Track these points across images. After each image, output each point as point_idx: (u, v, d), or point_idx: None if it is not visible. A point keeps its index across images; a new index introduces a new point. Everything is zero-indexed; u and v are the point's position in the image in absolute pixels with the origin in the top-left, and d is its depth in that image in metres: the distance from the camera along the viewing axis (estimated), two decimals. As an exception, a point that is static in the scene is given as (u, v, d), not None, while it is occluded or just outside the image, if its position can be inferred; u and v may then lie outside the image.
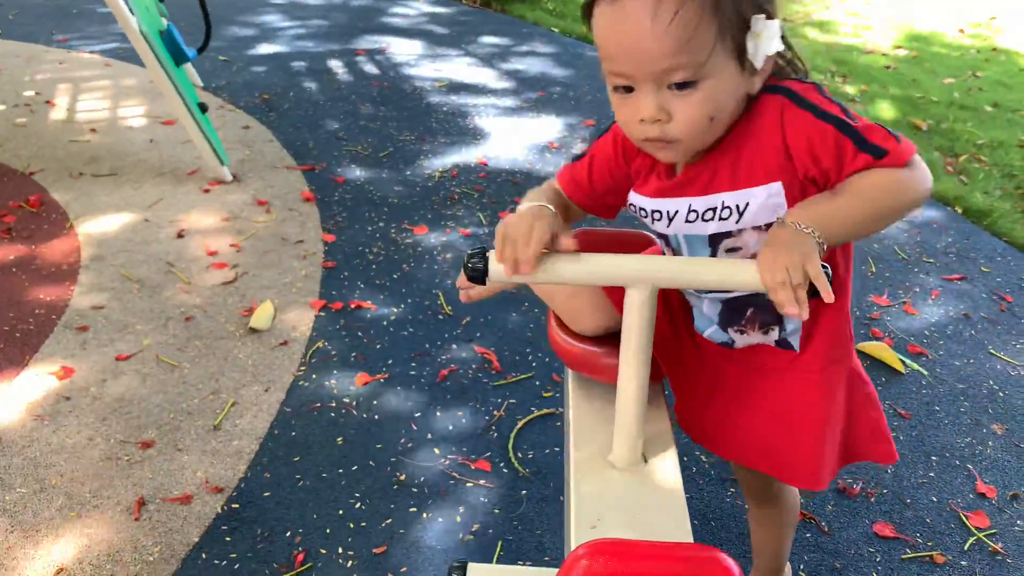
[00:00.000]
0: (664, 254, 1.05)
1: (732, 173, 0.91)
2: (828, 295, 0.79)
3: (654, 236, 1.08)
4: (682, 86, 0.85)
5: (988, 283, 2.51)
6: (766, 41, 0.84)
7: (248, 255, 2.43)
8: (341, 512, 1.60)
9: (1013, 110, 4.14)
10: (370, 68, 4.16)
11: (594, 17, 0.86)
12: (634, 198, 1.01)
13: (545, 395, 1.94)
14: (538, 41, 4.73)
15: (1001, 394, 2.03)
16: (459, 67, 4.24)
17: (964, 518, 1.65)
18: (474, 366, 2.02)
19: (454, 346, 2.09)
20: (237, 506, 1.60)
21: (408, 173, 3.02)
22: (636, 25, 0.82)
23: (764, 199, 0.90)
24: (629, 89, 0.87)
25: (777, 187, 0.89)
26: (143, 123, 3.33)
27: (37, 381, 1.90)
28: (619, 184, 1.03)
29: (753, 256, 0.90)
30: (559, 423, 1.84)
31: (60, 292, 2.22)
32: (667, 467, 0.97)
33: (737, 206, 0.91)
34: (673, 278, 0.87)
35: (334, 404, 1.88)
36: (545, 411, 1.89)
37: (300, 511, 1.60)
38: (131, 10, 2.61)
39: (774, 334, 1.03)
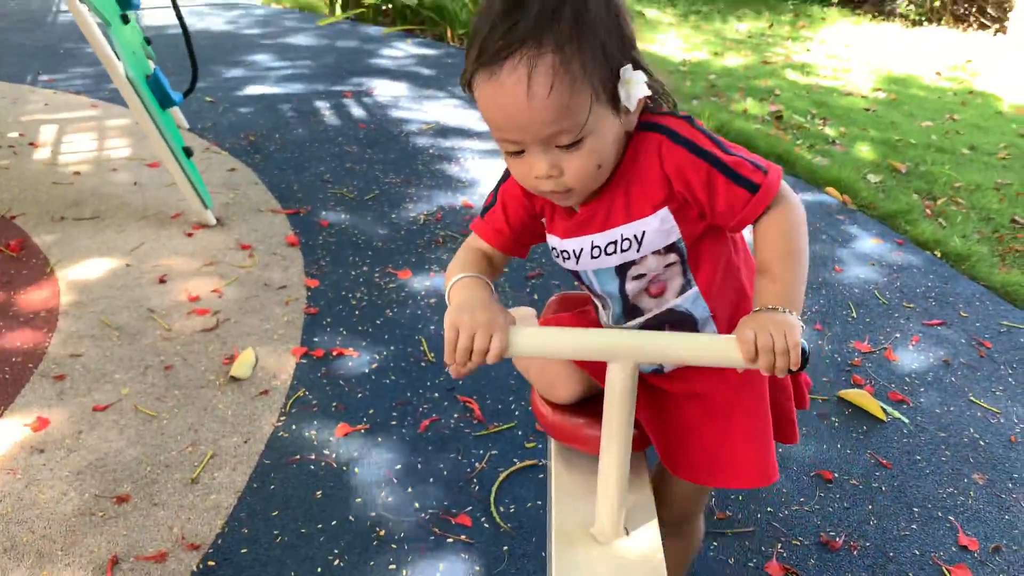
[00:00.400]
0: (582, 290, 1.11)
1: (625, 207, 0.98)
2: (796, 363, 0.86)
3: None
4: (568, 146, 0.90)
5: (967, 328, 2.53)
6: (636, 87, 0.90)
7: (230, 301, 2.42)
8: (320, 570, 1.57)
9: (989, 153, 4.21)
10: (357, 110, 4.19)
11: (475, 89, 0.90)
12: (550, 239, 1.07)
13: (528, 446, 1.93)
14: (523, 83, 4.78)
15: (982, 443, 2.03)
16: (446, 109, 4.27)
17: (947, 572, 1.64)
18: (456, 416, 2.01)
19: (436, 395, 2.08)
20: (213, 563, 1.57)
21: (393, 216, 3.03)
22: (515, 99, 0.86)
23: (658, 225, 0.98)
24: (520, 151, 0.92)
25: (665, 212, 0.97)
26: (128, 165, 3.33)
27: (11, 433, 1.87)
28: (533, 223, 1.09)
29: (654, 278, 1.02)
30: (541, 475, 1.83)
31: (38, 339, 2.20)
32: (649, 539, 0.96)
33: (635, 236, 0.99)
34: (654, 353, 0.88)
35: (314, 456, 1.86)
36: (528, 462, 1.87)
37: (278, 569, 1.57)
38: (117, 55, 2.62)
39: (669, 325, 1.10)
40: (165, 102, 2.79)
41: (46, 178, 3.16)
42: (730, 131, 4.13)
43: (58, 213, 2.89)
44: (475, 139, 3.86)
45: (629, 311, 1.07)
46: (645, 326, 1.07)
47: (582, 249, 1.02)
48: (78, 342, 2.20)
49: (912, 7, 7.52)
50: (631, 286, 1.03)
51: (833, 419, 2.08)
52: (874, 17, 7.71)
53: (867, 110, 4.81)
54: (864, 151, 4.04)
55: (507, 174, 1.06)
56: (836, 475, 1.89)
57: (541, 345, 0.88)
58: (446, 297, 1.01)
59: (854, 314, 2.57)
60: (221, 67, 4.77)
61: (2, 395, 1.98)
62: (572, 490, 1.03)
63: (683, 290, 1.04)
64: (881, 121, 4.59)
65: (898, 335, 2.47)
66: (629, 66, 0.90)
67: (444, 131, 3.95)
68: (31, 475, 1.75)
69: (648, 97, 0.94)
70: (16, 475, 1.75)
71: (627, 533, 0.96)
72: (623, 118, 0.93)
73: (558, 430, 1.10)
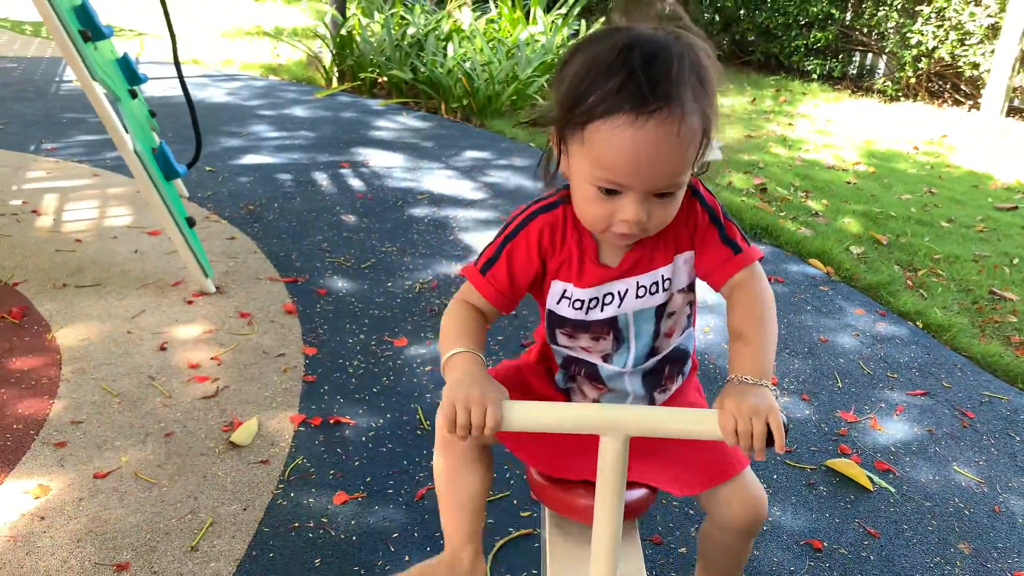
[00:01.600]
0: (588, 345, 1.18)
1: (664, 251, 1.12)
2: (781, 447, 0.91)
3: (566, 338, 1.20)
4: (663, 195, 1.00)
5: (950, 398, 2.60)
6: (712, 151, 1.02)
7: (229, 368, 2.46)
8: (317, 639, 1.59)
9: (967, 226, 4.36)
10: (354, 180, 4.30)
11: (596, 132, 0.96)
12: (576, 292, 1.13)
13: (523, 514, 1.96)
14: (516, 155, 4.93)
15: (967, 512, 2.08)
16: (440, 180, 4.40)
17: (936, 642, 1.67)
18: (452, 483, 2.04)
19: (432, 462, 2.11)
20: (212, 633, 1.58)
21: (389, 285, 3.10)
22: (658, 149, 0.95)
23: (684, 263, 1.14)
24: (614, 193, 1.00)
25: (690, 254, 1.13)
26: (129, 233, 3.40)
27: (12, 500, 1.89)
28: (531, 283, 1.16)
29: (676, 317, 1.17)
30: (536, 544, 1.86)
31: (39, 406, 2.23)
32: (642, 605, 1.00)
33: (670, 277, 1.13)
34: (645, 427, 0.94)
35: (312, 524, 1.88)
36: (523, 531, 1.90)
37: (276, 638, 1.58)
38: (126, 128, 2.72)
39: (680, 376, 1.26)
40: (170, 174, 2.88)
41: (48, 245, 3.23)
42: (716, 203, 4.25)
43: (60, 280, 2.94)
44: (468, 208, 3.97)
45: (651, 352, 1.18)
46: (647, 372, 1.19)
47: (627, 291, 1.12)
48: (79, 409, 2.23)
49: (889, 84, 7.81)
50: (665, 324, 1.16)
51: (821, 488, 2.13)
52: (853, 92, 8.00)
53: (848, 183, 4.97)
54: (847, 223, 4.18)
55: (515, 232, 1.12)
56: (826, 544, 1.93)
57: (534, 419, 0.93)
58: (441, 366, 1.07)
59: (839, 384, 2.64)
60: (221, 137, 4.90)
61: (4, 461, 2.00)
62: (566, 558, 1.08)
63: (684, 329, 1.19)
64: (862, 194, 4.75)
65: (883, 405, 2.54)
66: (716, 137, 1.01)
67: (438, 200, 4.06)
68: (32, 542, 1.76)
69: None
70: (17, 542, 1.76)
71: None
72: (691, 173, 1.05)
73: (552, 500, 1.15)
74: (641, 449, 1.13)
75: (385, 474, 2.06)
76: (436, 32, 6.53)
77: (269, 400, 2.32)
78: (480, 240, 3.57)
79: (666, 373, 1.23)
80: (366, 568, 1.76)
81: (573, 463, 1.16)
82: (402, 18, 6.93)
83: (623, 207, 0.99)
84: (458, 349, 1.04)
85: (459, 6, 7.04)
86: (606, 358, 1.20)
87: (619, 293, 1.12)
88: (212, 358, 2.51)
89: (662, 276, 1.12)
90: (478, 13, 7.29)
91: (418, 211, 3.89)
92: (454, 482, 1.25)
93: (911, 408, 2.53)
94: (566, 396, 1.27)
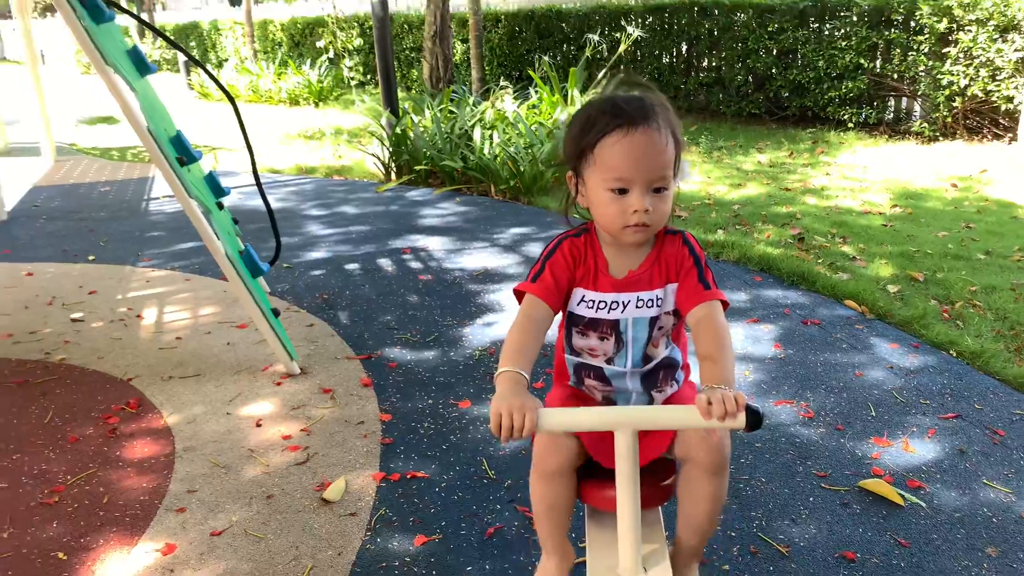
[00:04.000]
0: (595, 344, 1.55)
1: (659, 277, 1.51)
2: (740, 412, 1.20)
3: (580, 337, 1.57)
4: (659, 190, 1.41)
5: (981, 419, 2.76)
6: (684, 170, 1.44)
7: (317, 437, 2.80)
8: (408, 656, 1.85)
9: (1004, 256, 4.48)
10: (415, 263, 4.70)
11: (601, 148, 1.40)
12: (591, 294, 1.52)
13: (581, 544, 2.20)
14: (561, 227, 5.27)
15: (995, 520, 2.24)
16: (490, 256, 4.77)
17: (960, 633, 1.83)
18: (516, 524, 2.31)
19: (499, 506, 2.39)
20: (319, 655, 1.86)
21: (452, 354, 3.43)
22: (646, 149, 1.38)
23: (672, 292, 1.51)
24: (623, 192, 1.40)
25: (675, 285, 1.51)
26: (219, 328, 3.83)
27: (145, 558, 2.23)
28: (570, 285, 1.54)
29: (663, 332, 1.55)
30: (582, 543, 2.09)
31: (160, 480, 2.59)
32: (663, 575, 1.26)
33: (662, 298, 1.51)
34: (646, 421, 1.23)
35: (397, 563, 2.16)
36: (581, 559, 2.14)
37: (373, 657, 1.85)
38: (217, 236, 3.15)
39: (675, 382, 1.61)
40: (255, 272, 3.30)
41: (153, 344, 3.67)
42: (753, 256, 4.50)
43: (166, 373, 3.36)
44: (515, 284, 4.30)
45: (645, 358, 1.54)
46: (653, 370, 1.56)
47: (629, 301, 1.51)
48: (193, 480, 2.58)
49: (926, 125, 7.97)
50: (656, 334, 1.52)
51: (855, 506, 2.31)
52: (890, 137, 8.17)
53: (885, 225, 5.15)
54: (882, 264, 4.36)
55: (552, 251, 1.55)
56: (859, 555, 2.11)
57: (562, 422, 1.23)
58: (495, 377, 1.40)
59: (873, 413, 2.82)
60: (293, 236, 5.40)
61: (136, 527, 2.36)
62: (601, 542, 1.35)
63: (668, 344, 1.57)
64: (899, 235, 4.92)
65: (915, 429, 2.71)
66: (685, 158, 1.47)
67: (492, 275, 4.41)
68: (165, 591, 2.09)
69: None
70: (153, 591, 2.09)
71: (645, 571, 1.26)
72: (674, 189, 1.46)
73: (589, 495, 1.44)
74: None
75: (458, 518, 2.34)
76: (482, 122, 7.03)
77: (353, 462, 2.64)
78: (532, 308, 3.88)
79: (660, 376, 1.59)
80: (446, 597, 2.03)
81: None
82: (450, 112, 7.48)
83: (632, 201, 1.39)
84: (506, 368, 1.36)
85: (501, 97, 7.55)
86: (610, 361, 1.55)
87: (623, 302, 1.51)
88: (302, 430, 2.85)
89: (656, 296, 1.50)
90: (519, 100, 7.80)
91: (474, 286, 4.25)
92: (545, 497, 1.56)
93: (942, 430, 2.69)
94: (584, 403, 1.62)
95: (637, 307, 1.51)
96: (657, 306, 1.51)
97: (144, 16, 22.12)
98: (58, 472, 2.64)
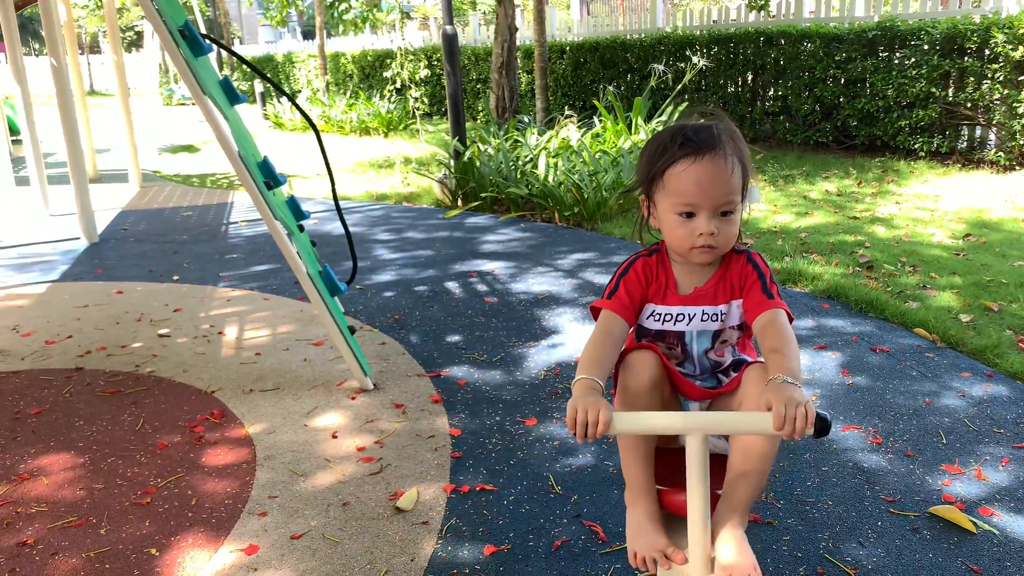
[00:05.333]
0: (664, 352, 1.64)
1: (723, 295, 1.60)
2: (810, 423, 1.25)
3: (650, 342, 1.66)
4: (725, 214, 1.51)
5: (1058, 449, 2.70)
6: (753, 194, 1.53)
7: (390, 450, 2.91)
8: (479, 657, 1.92)
9: (1084, 286, 4.36)
10: (481, 286, 4.82)
11: (670, 174, 1.51)
12: (660, 308, 1.63)
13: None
14: (623, 252, 5.35)
15: (1071, 550, 2.20)
16: (554, 281, 4.86)
17: (1034, 659, 1.81)
18: (583, 537, 2.36)
19: (565, 520, 2.45)
20: (394, 654, 1.94)
21: (518, 374, 3.51)
22: (712, 175, 1.48)
23: (736, 308, 1.61)
24: (691, 215, 1.51)
25: (740, 301, 1.60)
26: (297, 345, 4.00)
27: (230, 557, 2.35)
28: (642, 301, 1.63)
29: (727, 343, 1.65)
30: None
31: (242, 486, 2.73)
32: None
33: (727, 313, 1.61)
34: (714, 426, 1.29)
35: (467, 570, 2.24)
36: (649, 574, 2.18)
37: (445, 657, 1.92)
38: (300, 256, 3.32)
39: (731, 367, 1.68)
40: (333, 291, 3.45)
41: (235, 359, 3.85)
42: (821, 283, 4.48)
43: (247, 387, 3.53)
44: (578, 308, 4.37)
45: (714, 365, 1.66)
46: (718, 369, 1.65)
47: (695, 315, 1.60)
48: (273, 487, 2.71)
49: (1001, 154, 7.79)
50: (718, 346, 1.64)
51: (925, 532, 2.30)
52: (963, 167, 8.01)
53: (958, 254, 5.06)
54: (954, 293, 4.29)
55: (627, 269, 1.64)
56: (929, 580, 2.10)
57: (635, 424, 1.30)
58: (572, 384, 1.47)
59: (944, 440, 2.80)
60: (364, 259, 5.58)
61: (221, 528, 2.49)
62: (674, 543, 1.41)
63: (733, 353, 1.67)
64: (972, 264, 4.83)
65: (987, 457, 2.67)
66: (753, 183, 1.56)
67: (554, 299, 4.49)
68: (249, 588, 2.21)
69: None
70: (239, 587, 2.21)
71: (712, 569, 1.32)
72: (742, 213, 1.55)
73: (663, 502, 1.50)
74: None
75: (526, 530, 2.41)
76: (546, 150, 7.16)
77: (424, 474, 2.74)
78: (586, 332, 3.94)
79: (731, 374, 1.67)
80: (514, 604, 2.10)
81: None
82: (516, 141, 7.64)
83: (698, 224, 1.50)
84: (582, 376, 1.44)
85: (566, 126, 7.69)
86: (680, 364, 1.67)
87: (688, 315, 1.61)
88: (375, 442, 2.97)
89: (720, 311, 1.61)
90: (584, 129, 7.92)
91: (539, 309, 4.34)
92: (628, 447, 1.61)
93: (1017, 459, 2.65)
94: None
95: (702, 320, 1.61)
96: (721, 320, 1.61)
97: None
98: (149, 475, 2.81)
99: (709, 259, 1.56)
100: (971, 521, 2.32)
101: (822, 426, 1.22)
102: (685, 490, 1.36)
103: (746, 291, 1.58)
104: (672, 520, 1.53)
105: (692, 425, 1.28)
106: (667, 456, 1.66)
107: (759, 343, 1.51)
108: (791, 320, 1.54)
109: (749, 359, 1.70)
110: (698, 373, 1.66)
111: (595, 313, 1.66)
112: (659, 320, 1.63)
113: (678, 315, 1.61)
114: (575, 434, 1.30)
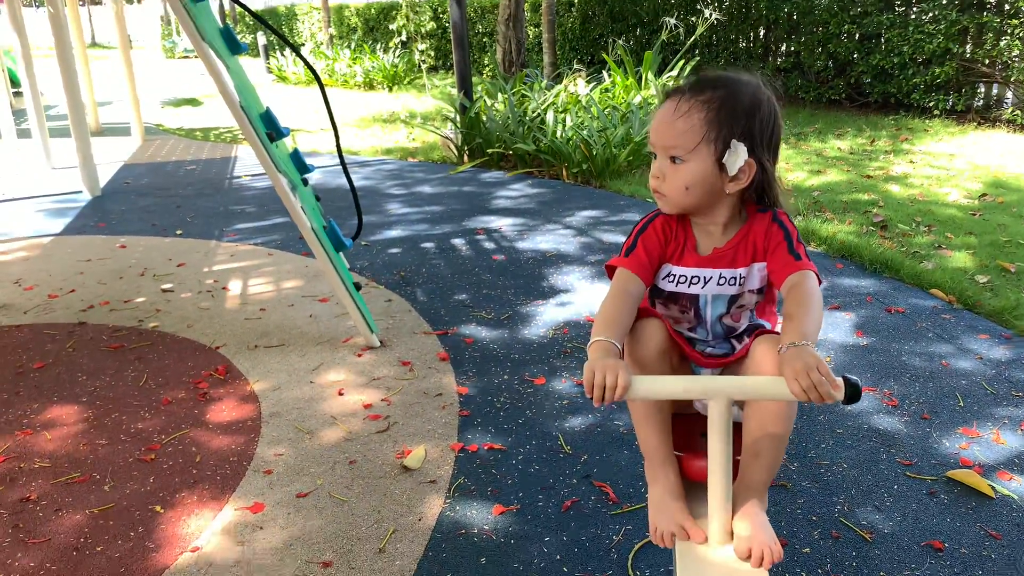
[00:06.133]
0: (677, 316, 1.57)
1: (743, 257, 1.50)
2: (837, 387, 1.17)
3: (662, 308, 1.59)
4: (674, 160, 1.43)
5: (1078, 413, 2.65)
6: (734, 158, 1.40)
7: (397, 408, 2.87)
8: (488, 618, 1.89)
9: (1104, 248, 4.27)
10: (489, 244, 4.74)
11: None
12: (676, 269, 1.54)
13: (657, 521, 2.21)
14: (633, 211, 5.26)
15: (1092, 515, 2.15)
16: (563, 239, 4.78)
17: (1054, 626, 1.78)
18: (593, 497, 2.33)
19: (575, 480, 2.41)
20: (402, 613, 1.92)
21: (526, 332, 3.46)
22: (665, 116, 1.44)
23: (757, 271, 1.51)
24: (654, 155, 1.47)
25: (763, 264, 1.50)
26: (302, 301, 3.94)
27: (235, 514, 2.32)
28: (660, 260, 1.55)
29: (743, 307, 1.55)
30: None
31: (247, 443, 2.70)
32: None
33: (747, 276, 1.51)
34: (740, 392, 1.22)
35: (476, 530, 2.21)
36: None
37: (454, 617, 1.90)
38: (303, 210, 3.25)
39: (746, 333, 1.57)
40: (339, 246, 3.38)
41: (239, 315, 3.80)
42: (834, 243, 4.40)
43: (252, 342, 3.48)
44: (587, 266, 4.30)
45: (728, 330, 1.57)
46: (732, 335, 1.57)
47: (711, 278, 1.51)
48: (279, 444, 2.68)
49: (1019, 112, 7.63)
50: (734, 311, 1.55)
51: (942, 496, 2.26)
52: (979, 125, 7.85)
53: (974, 214, 4.96)
54: (970, 253, 4.20)
55: (645, 227, 1.55)
56: (947, 545, 2.06)
57: (656, 389, 1.23)
58: (588, 347, 1.40)
59: (961, 403, 2.74)
60: (370, 215, 5.50)
61: (226, 486, 2.46)
62: (692, 510, 1.36)
63: (750, 318, 1.58)
64: (988, 224, 4.74)
65: (1006, 420, 2.62)
66: (741, 144, 1.39)
67: (563, 257, 4.42)
68: (254, 547, 2.18)
69: (756, 183, 1.45)
70: (244, 545, 2.18)
71: (733, 538, 1.27)
72: (724, 179, 1.43)
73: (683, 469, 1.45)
74: None
75: (535, 490, 2.37)
76: (554, 105, 7.02)
77: (432, 432, 2.70)
78: (603, 287, 3.88)
79: (745, 340, 1.56)
80: (524, 565, 2.07)
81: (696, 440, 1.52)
82: (523, 96, 7.49)
83: (655, 165, 1.47)
84: (599, 338, 1.36)
85: (574, 80, 7.53)
86: (691, 330, 1.59)
87: (704, 278, 1.52)
88: (382, 399, 2.92)
89: (739, 275, 1.51)
90: (593, 84, 7.76)
91: (547, 267, 4.27)
92: (645, 417, 1.54)
93: (1036, 423, 2.60)
94: None
95: (719, 284, 1.52)
96: (739, 284, 1.51)
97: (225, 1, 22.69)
98: (153, 431, 2.77)
99: (664, 207, 1.51)
100: (989, 485, 2.27)
101: (852, 392, 1.16)
102: (703, 455, 1.31)
103: (771, 253, 1.48)
104: (692, 487, 1.47)
105: (713, 390, 1.21)
106: (680, 421, 1.59)
107: (783, 307, 1.43)
108: (820, 283, 1.45)
109: (768, 325, 1.60)
110: (710, 339, 1.58)
111: (610, 272, 1.56)
112: (673, 282, 1.54)
113: (693, 278, 1.52)
114: (592, 397, 1.23)
